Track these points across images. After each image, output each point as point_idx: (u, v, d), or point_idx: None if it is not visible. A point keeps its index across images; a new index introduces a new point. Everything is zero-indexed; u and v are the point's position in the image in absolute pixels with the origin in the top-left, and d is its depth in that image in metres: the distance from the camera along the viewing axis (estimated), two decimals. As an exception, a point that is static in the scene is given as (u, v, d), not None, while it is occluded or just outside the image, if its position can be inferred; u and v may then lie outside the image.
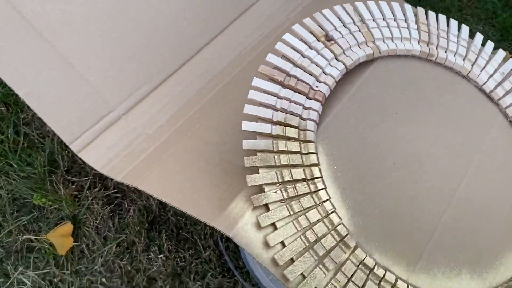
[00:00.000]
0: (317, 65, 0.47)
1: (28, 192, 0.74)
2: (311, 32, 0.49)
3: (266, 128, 0.42)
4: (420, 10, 0.55)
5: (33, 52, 0.50)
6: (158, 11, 0.58)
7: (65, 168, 0.77)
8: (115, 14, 0.55)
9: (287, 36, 0.48)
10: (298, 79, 0.46)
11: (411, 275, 0.42)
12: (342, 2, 0.58)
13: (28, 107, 0.81)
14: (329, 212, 0.40)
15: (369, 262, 0.40)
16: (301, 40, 0.49)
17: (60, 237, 0.72)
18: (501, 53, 0.56)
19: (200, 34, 0.60)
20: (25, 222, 0.73)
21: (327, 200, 0.41)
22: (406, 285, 0.40)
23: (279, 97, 0.44)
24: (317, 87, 0.46)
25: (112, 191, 0.76)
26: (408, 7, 0.55)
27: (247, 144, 0.41)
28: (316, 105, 0.45)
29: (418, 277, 0.42)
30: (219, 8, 0.62)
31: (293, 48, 0.48)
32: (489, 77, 0.54)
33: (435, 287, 0.42)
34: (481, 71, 0.54)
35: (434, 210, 0.45)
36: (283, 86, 0.45)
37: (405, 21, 0.54)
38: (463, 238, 0.45)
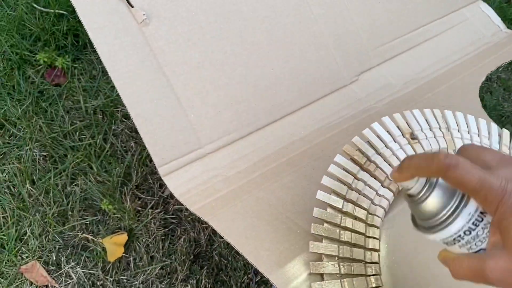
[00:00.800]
0: (397, 157, 0.50)
1: (99, 196, 0.80)
2: (398, 127, 0.53)
3: (338, 202, 0.45)
4: (505, 132, 0.58)
5: (151, 82, 0.57)
6: (264, 71, 0.64)
7: (136, 183, 0.83)
8: (226, 66, 0.62)
9: (376, 125, 0.52)
10: (377, 166, 0.49)
11: None
12: (429, 106, 0.62)
13: (120, 120, 0.90)
14: (378, 298, 0.42)
15: None
16: (388, 131, 0.52)
17: (113, 244, 0.77)
18: None
19: (293, 101, 0.66)
20: (87, 222, 0.79)
21: (379, 287, 0.43)
22: None
23: (356, 178, 0.48)
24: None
25: (171, 216, 0.81)
26: (494, 126, 0.58)
27: (317, 212, 0.45)
28: (389, 195, 0.48)
29: None
30: (315, 82, 0.68)
31: (378, 137, 0.52)
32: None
33: None
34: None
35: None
36: (362, 168, 0.49)
37: (489, 138, 0.56)
38: None
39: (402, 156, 0.50)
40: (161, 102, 0.58)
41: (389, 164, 0.50)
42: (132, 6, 0.58)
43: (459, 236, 0.28)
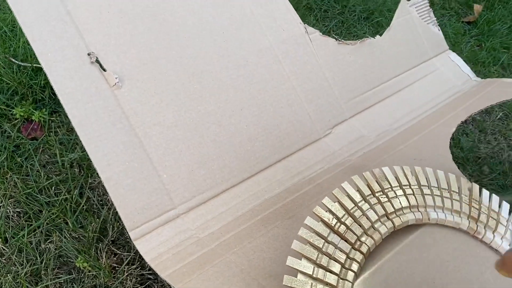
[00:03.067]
0: (368, 218, 0.51)
1: (74, 252, 0.79)
2: (368, 185, 0.54)
3: (309, 269, 0.45)
4: (475, 187, 0.58)
5: (123, 144, 0.58)
6: (237, 128, 0.65)
7: (112, 238, 0.82)
8: (199, 124, 0.63)
9: (345, 185, 0.53)
10: (348, 228, 0.49)
11: None
12: (401, 159, 0.63)
13: (97, 173, 0.89)
14: None
15: None
16: (358, 191, 0.53)
17: (88, 305, 0.75)
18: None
19: (267, 156, 0.67)
20: (62, 281, 0.77)
21: None
22: None
23: (326, 241, 0.48)
24: (364, 240, 0.49)
25: (147, 272, 0.80)
26: (464, 181, 0.59)
27: (287, 280, 0.44)
28: (359, 257, 0.48)
29: None
30: (289, 137, 0.69)
31: (348, 196, 0.52)
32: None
33: None
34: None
35: None
36: (333, 231, 0.49)
37: (459, 194, 0.57)
38: None
39: (373, 217, 0.51)
40: (133, 164, 0.58)
41: (359, 225, 0.50)
42: (105, 70, 0.59)
43: None
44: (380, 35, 0.85)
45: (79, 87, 0.57)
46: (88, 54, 0.59)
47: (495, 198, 0.58)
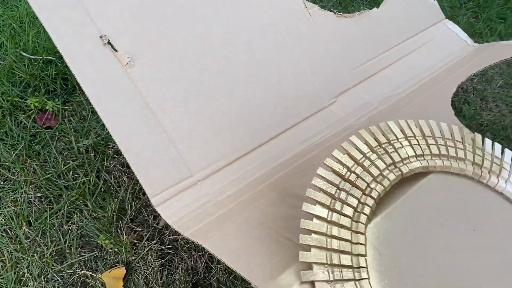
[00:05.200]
0: (376, 167, 0.53)
1: (95, 232, 0.82)
2: (375, 138, 0.56)
3: (323, 212, 0.48)
4: (478, 136, 0.61)
5: (140, 118, 0.60)
6: (246, 100, 0.68)
7: (131, 217, 0.85)
8: (210, 98, 0.66)
9: (353, 138, 0.55)
10: (358, 176, 0.52)
11: None
12: (406, 117, 0.66)
13: (112, 157, 0.92)
14: (369, 301, 0.44)
15: None
16: (365, 143, 0.56)
17: (112, 279, 0.78)
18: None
19: (276, 125, 0.69)
20: (86, 258, 0.80)
21: (369, 289, 0.45)
22: None
23: (338, 188, 0.51)
24: (373, 186, 0.52)
25: (167, 246, 0.83)
26: (467, 131, 0.61)
27: (304, 223, 0.47)
28: (370, 202, 0.51)
29: None
30: (296, 106, 0.72)
31: (357, 148, 0.55)
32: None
33: None
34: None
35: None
36: (344, 179, 0.52)
37: (462, 143, 0.60)
38: None
39: (381, 166, 0.53)
40: (150, 136, 0.61)
41: (368, 173, 0.53)
42: (116, 51, 0.62)
43: None
44: (378, 7, 0.88)
45: (94, 68, 0.60)
46: (100, 37, 0.62)
47: (498, 146, 0.61)
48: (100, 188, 0.87)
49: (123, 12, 0.64)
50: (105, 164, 0.91)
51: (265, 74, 0.71)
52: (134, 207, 0.86)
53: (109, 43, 0.63)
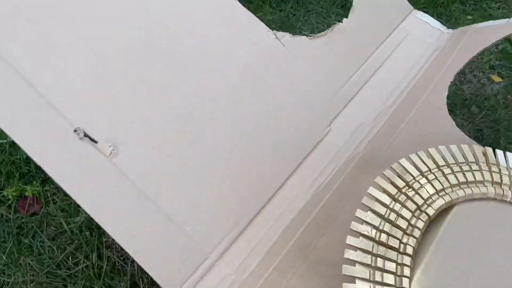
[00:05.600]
0: (403, 218, 0.51)
1: (113, 318, 0.77)
2: (393, 184, 0.54)
3: (365, 274, 0.45)
4: (489, 150, 0.59)
5: (138, 209, 0.56)
6: (242, 158, 0.64)
7: (146, 291, 0.81)
8: (205, 166, 0.61)
9: (371, 190, 0.52)
10: (388, 234, 0.49)
11: None
12: (407, 138, 0.63)
13: (109, 230, 0.87)
14: None
15: None
16: (384, 192, 0.53)
17: None
18: None
19: (278, 174, 0.66)
20: None
21: None
22: None
23: (373, 255, 0.48)
24: (406, 241, 0.49)
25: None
26: (477, 147, 0.59)
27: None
28: (407, 260, 0.48)
29: None
30: (292, 148, 0.68)
31: (378, 201, 0.52)
32: None
33: None
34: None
35: None
36: (376, 242, 0.49)
37: (477, 163, 0.58)
38: None
39: (408, 215, 0.51)
40: (155, 227, 0.56)
41: (398, 228, 0.50)
42: (96, 142, 0.57)
43: None
44: (347, 17, 0.84)
45: (76, 168, 0.55)
46: (75, 131, 0.57)
47: (511, 155, 0.59)
48: (106, 268, 0.82)
49: (92, 97, 0.58)
50: (103, 240, 0.86)
51: (254, 123, 0.67)
52: (146, 279, 0.82)
53: (85, 135, 0.57)
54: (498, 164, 0.58)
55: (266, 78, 0.71)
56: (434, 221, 0.53)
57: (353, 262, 0.47)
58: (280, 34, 0.76)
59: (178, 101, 0.63)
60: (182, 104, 0.63)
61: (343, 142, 0.72)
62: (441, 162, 0.56)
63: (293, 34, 0.77)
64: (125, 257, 0.84)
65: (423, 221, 0.51)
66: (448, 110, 1.07)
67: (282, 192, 0.65)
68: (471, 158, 0.58)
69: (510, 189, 0.56)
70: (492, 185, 0.56)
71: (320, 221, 0.61)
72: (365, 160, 0.68)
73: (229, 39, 0.70)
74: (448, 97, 1.15)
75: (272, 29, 0.75)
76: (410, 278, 0.48)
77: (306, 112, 0.72)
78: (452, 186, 0.55)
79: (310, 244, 0.58)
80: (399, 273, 0.47)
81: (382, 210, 0.51)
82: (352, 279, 0.46)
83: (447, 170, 0.56)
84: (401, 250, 0.49)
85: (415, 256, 0.50)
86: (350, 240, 0.48)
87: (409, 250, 0.49)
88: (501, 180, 0.57)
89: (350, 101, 0.77)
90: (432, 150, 0.57)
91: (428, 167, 0.56)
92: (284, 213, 0.63)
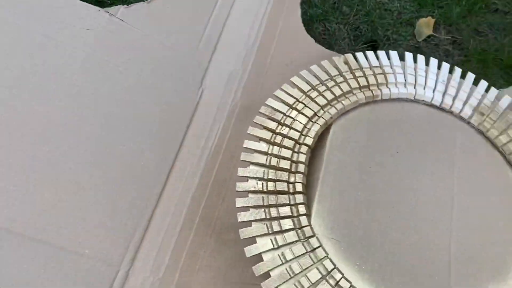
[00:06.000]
0: (284, 158, 0.50)
1: None
2: (266, 128, 0.52)
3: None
4: (349, 57, 0.58)
5: (24, 254, 0.51)
6: (120, 152, 0.59)
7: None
8: (79, 179, 0.56)
9: (246, 143, 0.50)
10: (275, 181, 0.48)
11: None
12: (278, 73, 0.61)
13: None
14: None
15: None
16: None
17: None
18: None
19: (162, 158, 0.62)
20: None
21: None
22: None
23: (265, 207, 0.47)
24: (293, 179, 0.48)
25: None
26: (337, 59, 0.58)
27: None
28: (300, 198, 0.48)
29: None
30: (168, 126, 0.64)
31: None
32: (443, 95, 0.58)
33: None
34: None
35: (440, 240, 0.48)
36: (264, 193, 0.47)
37: (341, 75, 0.57)
38: (479, 256, 0.48)
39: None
40: (51, 265, 0.52)
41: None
42: None
43: None
44: None
45: None
46: None
47: (379, 53, 0.59)
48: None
49: None
50: None
51: (121, 117, 0.62)
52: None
53: None
54: (361, 68, 0.58)
55: (116, 62, 0.65)
56: (317, 149, 0.52)
57: (250, 223, 0.46)
58: (113, 9, 0.69)
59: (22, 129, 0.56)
60: (29, 130, 0.57)
61: (219, 98, 0.68)
62: (306, 88, 0.55)
63: (128, 5, 0.70)
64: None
65: (304, 153, 0.50)
66: (322, 20, 1.05)
67: (173, 174, 0.62)
68: (333, 72, 0.57)
69: (378, 88, 0.57)
70: (361, 90, 0.56)
71: (218, 188, 0.59)
72: (245, 108, 0.66)
73: (57, 37, 0.62)
74: (316, 6, 1.14)
75: (107, 5, 0.68)
76: (308, 214, 0.47)
77: (171, 82, 0.67)
78: (322, 107, 0.54)
79: (214, 215, 0.56)
80: (296, 214, 0.47)
81: (262, 159, 0.49)
82: (253, 240, 0.45)
83: (314, 94, 0.55)
84: (291, 190, 0.48)
85: (308, 190, 0.49)
86: (240, 201, 0.47)
87: (299, 187, 0.48)
88: (368, 82, 0.57)
89: (213, 53, 0.73)
90: (295, 79, 0.56)
91: (295, 98, 0.54)
92: (182, 194, 0.60)
